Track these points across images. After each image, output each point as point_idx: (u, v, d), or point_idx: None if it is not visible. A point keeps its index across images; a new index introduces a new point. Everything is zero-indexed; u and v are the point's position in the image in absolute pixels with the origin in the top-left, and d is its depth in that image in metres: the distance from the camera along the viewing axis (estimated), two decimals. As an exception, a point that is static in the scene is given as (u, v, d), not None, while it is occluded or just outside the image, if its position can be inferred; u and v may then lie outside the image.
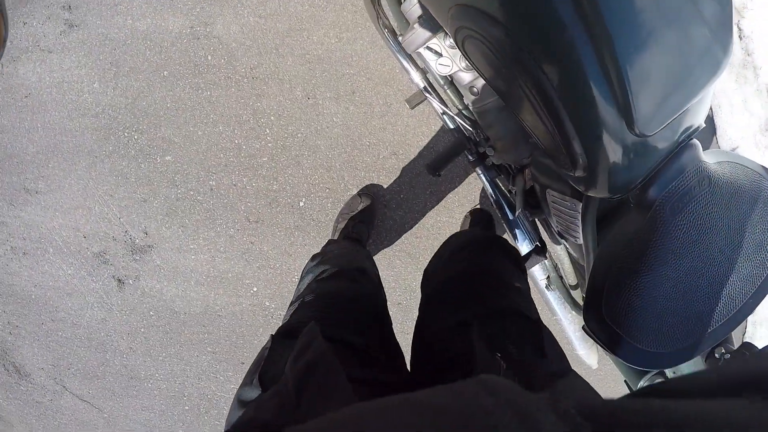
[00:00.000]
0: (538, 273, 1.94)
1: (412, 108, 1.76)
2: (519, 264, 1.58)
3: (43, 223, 3.05)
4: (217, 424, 3.29)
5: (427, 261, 2.72)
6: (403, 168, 2.69)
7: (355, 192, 2.73)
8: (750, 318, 2.47)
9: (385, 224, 2.76)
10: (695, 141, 0.97)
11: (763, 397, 0.46)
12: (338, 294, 1.47)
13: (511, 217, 1.84)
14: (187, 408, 3.28)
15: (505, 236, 1.86)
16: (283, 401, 0.92)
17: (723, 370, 0.56)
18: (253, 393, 1.02)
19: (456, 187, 2.68)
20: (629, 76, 0.77)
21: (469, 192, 2.68)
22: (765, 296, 1.03)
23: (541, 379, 1.02)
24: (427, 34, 1.30)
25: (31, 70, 2.83)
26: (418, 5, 1.30)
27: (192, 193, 2.86)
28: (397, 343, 1.44)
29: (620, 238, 1.02)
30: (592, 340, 1.13)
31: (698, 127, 0.97)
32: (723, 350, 1.22)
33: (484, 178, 1.80)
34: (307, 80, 2.64)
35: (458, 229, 2.68)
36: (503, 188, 1.87)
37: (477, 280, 1.41)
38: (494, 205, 1.88)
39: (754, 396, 0.46)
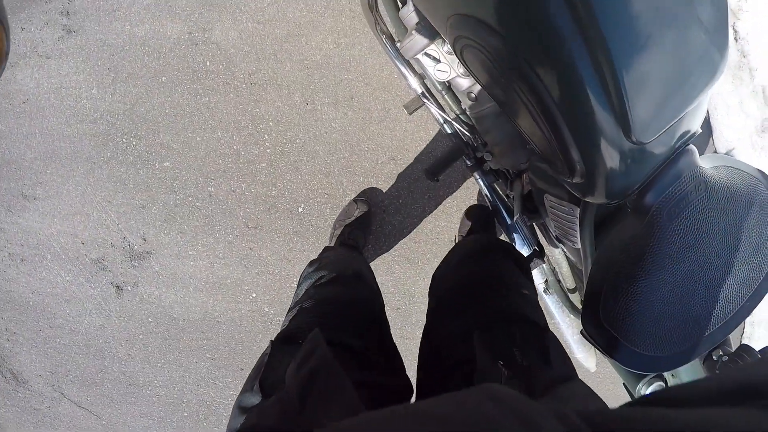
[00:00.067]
0: (536, 277, 1.95)
1: (410, 113, 1.77)
2: (525, 271, 1.58)
3: (41, 229, 3.04)
4: (216, 430, 3.28)
5: (426, 266, 2.75)
6: (401, 173, 2.69)
7: (353, 198, 2.73)
8: (748, 319, 2.47)
9: (384, 229, 2.76)
10: (692, 146, 0.98)
11: (763, 404, 0.46)
12: (336, 299, 1.48)
13: (509, 221, 1.84)
14: (185, 415, 3.27)
15: (502, 238, 1.86)
16: (285, 408, 0.92)
17: (722, 377, 0.56)
18: (254, 399, 1.02)
19: (454, 191, 2.69)
20: (626, 83, 0.77)
21: (468, 196, 2.68)
22: (762, 299, 1.04)
23: (543, 385, 1.02)
24: (425, 40, 1.30)
25: (29, 76, 2.82)
26: (415, 12, 1.31)
27: (190, 199, 2.85)
28: (395, 347, 1.45)
29: (618, 243, 1.03)
30: (590, 344, 1.13)
31: (695, 133, 0.98)
32: (721, 353, 1.23)
33: (482, 183, 1.81)
34: (306, 86, 2.65)
35: (457, 231, 2.68)
36: (501, 193, 1.88)
37: (485, 286, 1.42)
38: (492, 210, 1.88)
39: (754, 403, 0.46)
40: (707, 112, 2.29)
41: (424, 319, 2.75)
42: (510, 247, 1.69)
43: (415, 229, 2.76)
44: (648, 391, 1.49)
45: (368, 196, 2.72)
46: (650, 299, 0.98)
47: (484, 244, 1.70)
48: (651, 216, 0.96)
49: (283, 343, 1.22)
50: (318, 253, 2.11)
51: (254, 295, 2.95)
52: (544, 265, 1.92)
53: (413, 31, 1.30)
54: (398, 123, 2.62)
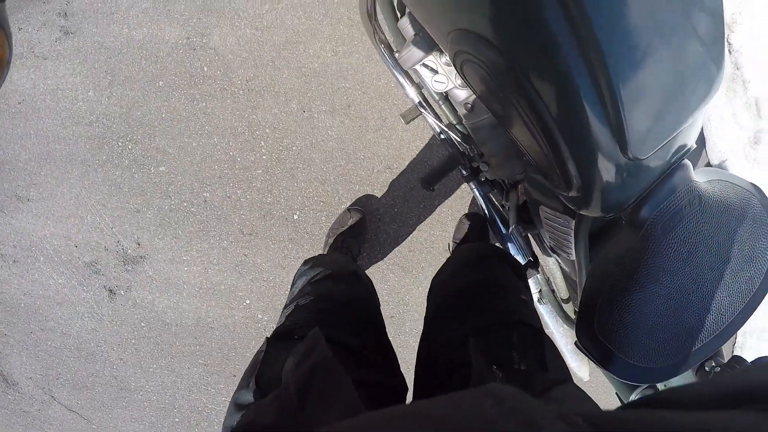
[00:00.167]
0: (530, 287, 1.95)
1: (407, 123, 1.77)
2: (522, 276, 1.58)
3: (34, 231, 3.03)
4: (208, 436, 3.27)
5: (421, 274, 2.75)
6: (397, 182, 2.69)
7: (347, 206, 2.73)
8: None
9: (379, 238, 2.76)
10: (686, 161, 0.99)
11: (759, 408, 0.46)
12: (333, 296, 1.48)
13: (504, 231, 1.85)
14: (177, 420, 3.24)
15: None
16: (284, 405, 0.92)
17: (716, 381, 0.57)
18: (250, 396, 1.02)
19: (449, 200, 2.69)
20: (623, 98, 0.78)
21: (463, 206, 2.68)
22: (754, 311, 1.05)
23: (538, 388, 1.02)
24: (424, 51, 1.30)
25: (25, 77, 2.82)
26: (414, 23, 1.31)
27: (185, 204, 2.85)
28: (391, 346, 1.45)
29: (612, 256, 1.04)
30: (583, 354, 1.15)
31: (690, 148, 0.99)
32: (713, 364, 1.24)
33: (477, 193, 1.82)
34: (303, 93, 2.65)
35: (452, 236, 2.68)
36: (496, 203, 1.89)
37: (483, 291, 1.42)
38: (487, 220, 1.89)
39: (751, 407, 0.47)
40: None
41: (418, 328, 2.74)
42: (507, 254, 1.70)
43: (409, 238, 2.75)
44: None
45: (364, 204, 2.72)
46: (644, 311, 0.99)
47: (482, 250, 1.70)
48: (646, 229, 0.97)
49: (279, 339, 1.22)
50: (313, 259, 2.11)
51: (248, 301, 2.94)
52: (538, 275, 1.93)
53: (411, 42, 1.30)
54: (395, 132, 2.62)
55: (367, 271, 2.64)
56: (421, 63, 1.34)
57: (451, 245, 2.66)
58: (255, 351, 1.21)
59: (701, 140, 2.55)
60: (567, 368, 1.23)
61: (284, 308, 1.49)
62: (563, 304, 1.98)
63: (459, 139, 1.67)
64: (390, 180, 2.69)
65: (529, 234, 1.80)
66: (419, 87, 1.68)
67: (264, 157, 2.74)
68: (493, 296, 1.39)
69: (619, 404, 1.61)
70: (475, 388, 0.61)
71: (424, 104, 1.70)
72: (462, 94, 1.41)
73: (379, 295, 1.72)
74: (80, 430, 3.40)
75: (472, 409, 0.53)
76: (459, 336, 1.25)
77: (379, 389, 1.17)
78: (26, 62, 2.81)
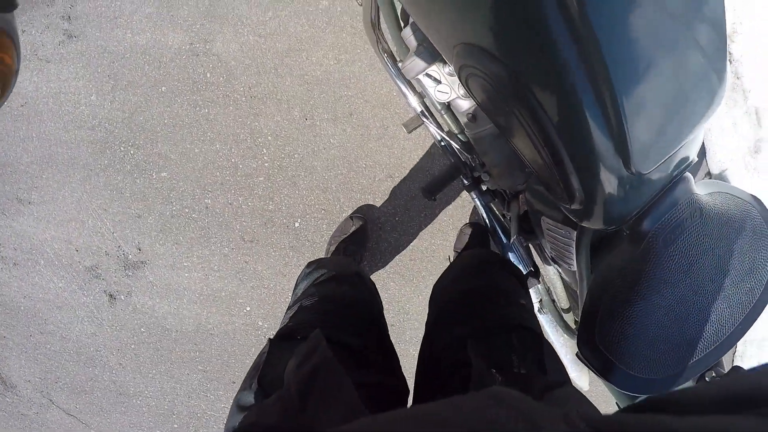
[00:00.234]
0: (530, 294, 1.95)
1: (410, 132, 1.77)
2: (523, 283, 1.58)
3: (35, 234, 3.04)
4: (206, 442, 3.26)
5: (421, 283, 2.75)
6: (398, 191, 2.69)
7: (349, 214, 2.73)
8: (740, 339, 2.48)
9: (380, 246, 2.76)
10: (688, 174, 1.00)
11: (759, 413, 0.46)
12: (336, 297, 1.47)
13: (505, 241, 1.85)
14: (176, 426, 3.24)
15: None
16: (286, 406, 0.91)
17: (717, 385, 0.57)
18: (252, 397, 1.02)
19: (450, 210, 2.69)
20: (626, 112, 0.78)
21: (464, 215, 2.68)
22: (754, 322, 1.05)
23: (537, 391, 1.02)
24: (427, 61, 1.30)
25: (28, 79, 2.83)
26: (418, 33, 1.31)
27: (187, 210, 2.85)
28: (393, 347, 1.45)
29: (614, 267, 1.05)
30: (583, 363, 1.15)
31: (692, 162, 1.00)
32: (713, 374, 1.23)
33: (478, 203, 1.81)
34: (305, 101, 2.65)
35: (452, 246, 2.69)
36: (497, 213, 1.88)
37: (484, 297, 1.42)
38: (488, 230, 1.89)
39: (752, 411, 0.47)
40: (701, 134, 2.31)
41: (419, 336, 2.74)
42: (507, 260, 1.70)
43: (410, 247, 2.75)
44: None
45: (365, 212, 2.72)
46: (645, 323, 1.00)
47: (483, 256, 1.70)
48: (647, 242, 0.97)
49: (282, 340, 1.22)
50: (314, 269, 2.11)
51: (248, 308, 2.94)
52: (539, 285, 1.92)
53: (415, 53, 1.30)
54: (396, 140, 2.63)
55: (367, 280, 2.66)
56: (424, 73, 1.34)
57: (452, 255, 2.66)
58: (255, 358, 1.21)
59: (701, 150, 2.55)
60: (566, 371, 1.24)
61: (288, 310, 1.48)
62: (564, 314, 1.98)
63: (461, 149, 1.67)
64: (391, 189, 2.69)
65: (529, 244, 1.81)
66: (422, 96, 1.67)
67: (266, 164, 2.74)
68: (493, 301, 1.39)
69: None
70: (477, 391, 0.61)
71: (427, 113, 1.69)
72: (464, 104, 1.41)
73: (380, 302, 1.72)
74: (78, 434, 3.40)
75: (474, 411, 0.54)
76: (460, 337, 1.25)
77: (379, 390, 1.17)
78: (29, 65, 2.81)
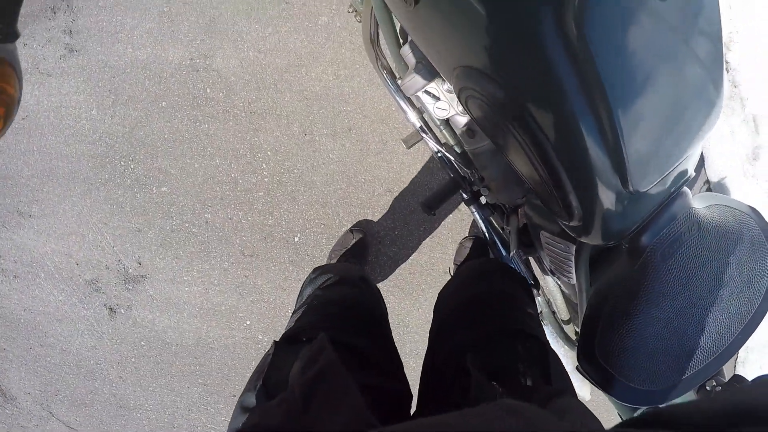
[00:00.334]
0: (536, 305, 1.95)
1: (409, 147, 1.77)
2: (528, 291, 1.58)
3: (36, 247, 3.04)
4: (206, 455, 3.25)
5: (421, 296, 2.76)
6: (397, 205, 2.70)
7: (348, 228, 2.74)
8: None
9: (379, 260, 2.76)
10: (686, 189, 1.01)
11: (759, 430, 0.46)
12: (340, 300, 1.47)
13: (504, 254, 1.85)
14: (176, 438, 3.24)
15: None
16: (289, 408, 0.91)
17: (717, 400, 0.56)
18: (256, 398, 1.02)
19: (450, 224, 2.69)
20: (623, 130, 0.79)
21: (463, 228, 2.69)
22: (754, 331, 1.06)
23: (538, 400, 1.02)
24: (426, 78, 1.30)
25: (29, 93, 2.84)
26: (417, 51, 1.31)
27: (187, 225, 2.86)
28: (397, 350, 1.44)
29: (613, 281, 1.06)
30: (584, 376, 1.15)
31: (689, 177, 1.01)
32: (714, 383, 1.24)
33: (478, 217, 1.82)
34: (305, 116, 2.66)
35: (452, 260, 2.69)
36: (497, 226, 1.89)
37: (490, 304, 1.42)
38: (488, 243, 1.89)
39: (750, 429, 0.47)
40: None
41: (419, 349, 2.77)
42: (510, 268, 1.70)
43: (410, 260, 2.76)
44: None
45: (364, 227, 2.73)
46: (644, 335, 1.00)
47: (484, 265, 1.70)
48: (646, 256, 0.98)
49: (287, 342, 1.22)
50: (314, 284, 2.11)
51: (248, 322, 2.94)
52: (538, 297, 1.92)
53: (414, 70, 1.30)
54: (395, 155, 2.63)
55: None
56: (423, 90, 1.35)
57: (451, 268, 2.66)
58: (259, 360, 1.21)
59: (700, 159, 2.56)
60: (570, 381, 1.23)
61: (293, 314, 1.48)
62: (564, 326, 1.99)
63: (459, 164, 1.67)
64: (390, 203, 2.70)
65: (529, 257, 1.81)
66: (420, 111, 1.68)
67: (265, 179, 2.75)
68: (494, 307, 1.40)
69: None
70: (488, 403, 0.62)
71: (426, 129, 1.70)
72: (463, 120, 1.41)
73: (379, 316, 1.72)
74: (78, 446, 3.40)
75: (483, 423, 0.55)
76: (461, 344, 1.26)
77: (381, 392, 1.16)
78: (30, 78, 2.83)
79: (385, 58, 1.69)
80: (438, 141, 1.69)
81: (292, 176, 2.72)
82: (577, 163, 0.85)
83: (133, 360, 3.12)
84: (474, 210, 1.79)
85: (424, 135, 1.70)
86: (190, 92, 2.71)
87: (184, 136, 2.75)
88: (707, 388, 1.24)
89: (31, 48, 2.79)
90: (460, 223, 2.68)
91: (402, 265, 2.77)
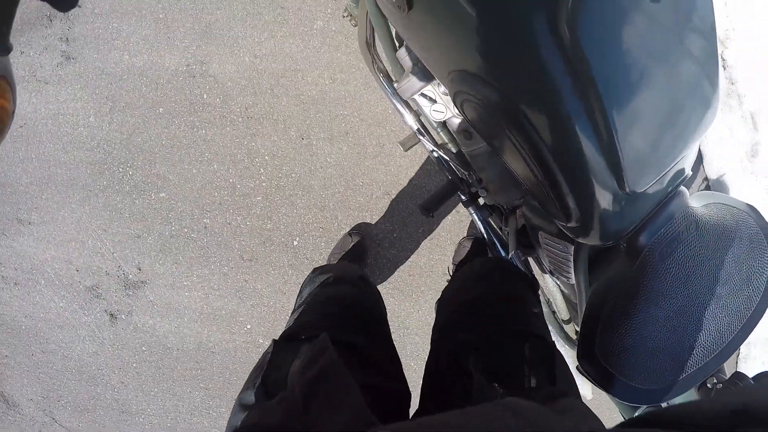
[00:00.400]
0: (541, 304, 1.95)
1: (406, 150, 1.78)
2: (535, 291, 1.58)
3: (36, 254, 3.05)
4: (209, 459, 3.26)
5: (421, 298, 2.77)
6: (396, 208, 2.70)
7: (347, 231, 2.74)
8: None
9: (378, 263, 2.77)
10: (683, 188, 1.02)
11: (757, 430, 0.47)
12: (339, 298, 1.47)
13: (503, 255, 1.85)
14: (178, 443, 3.24)
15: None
16: (289, 407, 0.91)
17: (717, 400, 0.57)
18: (254, 396, 1.02)
19: (448, 225, 2.70)
20: (618, 132, 0.80)
21: (462, 229, 2.70)
22: (753, 328, 1.06)
23: (540, 400, 1.02)
24: (422, 81, 1.31)
25: (27, 100, 2.84)
26: (413, 54, 1.32)
27: (186, 230, 2.86)
28: (396, 350, 1.43)
29: (612, 281, 1.06)
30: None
31: (686, 176, 1.02)
32: (715, 380, 1.24)
33: (476, 218, 1.82)
34: (302, 120, 2.67)
35: (451, 259, 2.70)
36: (495, 227, 1.89)
37: (487, 302, 1.42)
38: (487, 244, 1.89)
39: (748, 428, 0.47)
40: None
41: (420, 351, 2.78)
42: (511, 264, 1.69)
43: (408, 262, 2.76)
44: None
45: (363, 229, 2.74)
46: (644, 334, 1.01)
47: (486, 264, 1.70)
48: (644, 256, 0.99)
49: (286, 341, 1.21)
50: (313, 287, 2.11)
51: (249, 326, 2.95)
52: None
53: (410, 73, 1.31)
54: (393, 158, 2.64)
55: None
56: (419, 93, 1.36)
57: (450, 268, 2.66)
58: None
59: (698, 157, 2.56)
60: (574, 381, 1.23)
61: (292, 313, 1.48)
62: (564, 325, 1.99)
63: (457, 165, 1.68)
64: (389, 206, 2.71)
65: (528, 257, 1.81)
66: (417, 114, 1.69)
67: (263, 183, 2.75)
68: (502, 308, 1.39)
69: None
70: (489, 402, 0.62)
71: (423, 131, 1.70)
72: (460, 122, 1.42)
73: (379, 318, 1.71)
74: (81, 451, 3.40)
75: (484, 421, 0.55)
76: (464, 344, 1.26)
77: (380, 392, 1.16)
78: (28, 86, 2.83)
79: (381, 62, 1.70)
80: (435, 143, 1.69)
81: (289, 180, 2.73)
82: (573, 165, 0.85)
83: (134, 365, 3.12)
84: (472, 211, 1.80)
85: (421, 137, 1.71)
86: (187, 98, 2.71)
87: (182, 142, 2.76)
88: (708, 385, 1.24)
89: (28, 56, 2.79)
90: (458, 224, 2.68)
91: (401, 267, 2.77)
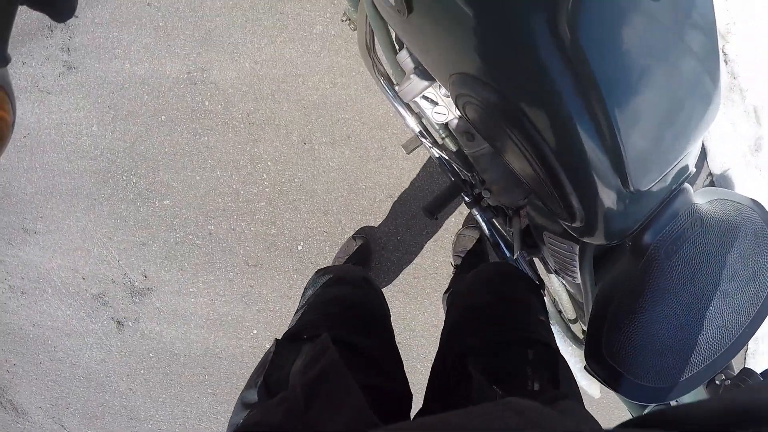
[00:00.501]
0: (547, 312, 1.95)
1: (409, 153, 1.77)
2: (541, 299, 1.59)
3: (42, 263, 3.06)
4: (218, 465, 3.26)
5: (426, 300, 2.78)
6: (399, 210, 2.71)
7: (351, 235, 2.75)
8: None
9: (383, 266, 2.77)
10: (687, 185, 1.01)
11: (759, 431, 0.47)
12: (342, 299, 1.47)
13: (508, 255, 1.84)
14: (187, 449, 3.25)
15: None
16: (291, 407, 0.92)
17: (723, 400, 0.56)
18: (257, 395, 1.03)
19: (452, 226, 2.71)
20: (621, 130, 0.80)
21: (465, 230, 2.68)
22: (760, 325, 1.06)
23: (543, 402, 1.03)
24: (423, 84, 1.30)
25: (30, 111, 2.85)
26: (413, 57, 1.32)
27: (191, 237, 2.87)
28: (398, 351, 1.44)
29: (618, 280, 1.06)
30: (593, 375, 1.16)
31: (690, 173, 1.02)
32: (723, 377, 1.23)
33: (480, 219, 1.81)
34: (303, 125, 2.68)
35: (451, 251, 2.70)
36: (500, 228, 1.89)
37: (506, 311, 1.41)
38: (491, 244, 1.89)
39: (752, 429, 0.47)
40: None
41: (426, 353, 2.78)
42: (527, 276, 1.69)
43: (413, 265, 2.77)
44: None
45: (367, 233, 2.74)
46: (651, 332, 1.00)
47: (502, 270, 1.70)
48: (649, 254, 0.99)
49: (289, 340, 1.21)
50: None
51: (255, 331, 2.96)
52: (544, 297, 1.92)
53: (411, 76, 1.30)
54: (395, 161, 2.65)
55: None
56: (421, 95, 1.36)
57: (453, 258, 2.67)
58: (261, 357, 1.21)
59: (702, 152, 2.55)
60: (576, 385, 1.23)
61: (295, 313, 1.48)
62: (570, 325, 1.98)
63: (460, 167, 1.67)
64: (392, 209, 2.71)
65: (533, 257, 1.81)
66: (419, 116, 1.68)
67: (267, 189, 2.76)
68: (509, 315, 1.39)
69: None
70: (492, 402, 0.62)
71: (425, 133, 1.70)
72: (462, 124, 1.42)
73: (385, 321, 1.71)
74: (91, 458, 3.40)
75: (485, 420, 0.55)
76: (471, 348, 1.27)
77: (381, 393, 1.16)
78: (30, 96, 2.84)
79: (381, 65, 1.70)
80: (438, 145, 1.69)
81: (293, 185, 2.73)
82: (577, 165, 0.86)
83: (142, 372, 3.13)
84: (476, 213, 1.79)
85: (423, 140, 1.70)
86: (188, 105, 2.72)
87: (185, 149, 2.76)
88: (717, 382, 1.23)
89: (30, 66, 2.80)
90: (461, 225, 2.68)
91: (406, 270, 2.78)
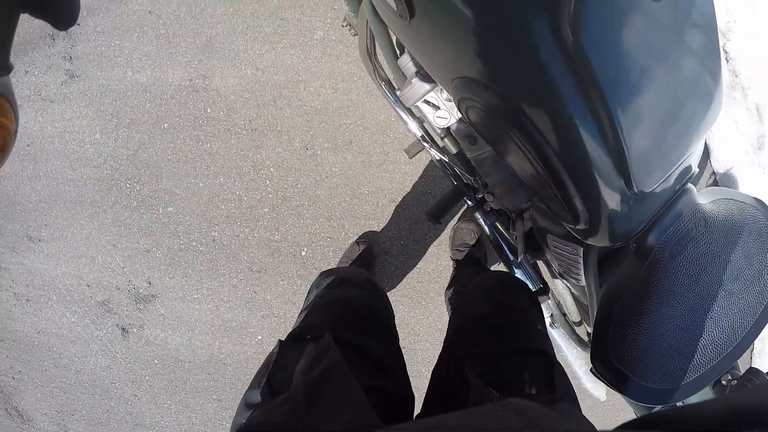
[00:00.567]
0: (545, 320, 1.95)
1: (411, 157, 1.77)
2: (539, 308, 1.59)
3: (47, 270, 3.07)
4: (223, 470, 3.26)
5: (430, 304, 2.78)
6: (402, 215, 2.71)
7: (354, 240, 2.75)
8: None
9: (387, 270, 2.77)
10: (690, 186, 1.01)
11: (756, 430, 0.47)
12: (347, 299, 1.48)
13: (512, 258, 1.84)
14: (193, 455, 3.25)
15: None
16: (293, 407, 0.92)
17: (728, 401, 0.56)
18: (260, 396, 1.03)
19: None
20: (624, 132, 0.80)
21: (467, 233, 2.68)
22: (766, 324, 1.05)
23: (541, 403, 1.03)
24: (425, 88, 1.31)
25: (33, 119, 2.86)
26: (414, 61, 1.33)
27: (194, 243, 2.88)
28: (401, 353, 1.44)
29: (622, 281, 1.06)
30: (599, 378, 1.16)
31: (693, 173, 1.02)
32: (729, 377, 1.23)
33: (483, 223, 1.81)
34: (305, 131, 2.68)
35: (450, 246, 2.70)
36: (503, 231, 1.89)
37: (506, 321, 1.42)
38: (495, 248, 1.89)
39: (752, 429, 0.47)
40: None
41: (430, 357, 2.78)
42: (526, 286, 1.70)
43: (416, 269, 2.77)
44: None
45: (370, 238, 2.74)
46: (657, 334, 1.00)
47: (504, 280, 1.70)
48: (654, 255, 0.99)
49: (293, 341, 1.22)
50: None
51: (260, 337, 2.96)
52: (549, 300, 1.91)
53: (413, 80, 1.31)
54: (398, 166, 2.65)
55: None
56: (422, 99, 1.36)
57: (452, 252, 2.68)
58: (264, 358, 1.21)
59: (705, 151, 2.55)
60: (572, 390, 1.24)
61: (299, 314, 1.48)
62: (575, 327, 1.98)
63: (463, 171, 1.67)
64: (395, 214, 2.72)
65: (537, 260, 1.81)
66: (421, 121, 1.69)
67: (270, 195, 2.77)
68: (510, 325, 1.40)
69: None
70: (491, 402, 0.62)
71: (427, 138, 1.71)
72: (464, 128, 1.43)
73: (388, 326, 1.71)
74: (97, 465, 3.40)
75: (488, 422, 0.55)
76: (471, 355, 1.27)
77: (384, 394, 1.16)
78: (33, 105, 2.85)
79: (382, 70, 1.70)
80: (440, 149, 1.69)
81: (296, 191, 2.74)
82: (580, 167, 0.86)
83: (147, 378, 3.14)
84: (479, 216, 1.79)
85: (425, 144, 1.71)
86: (191, 112, 2.73)
87: (188, 156, 2.77)
88: (723, 382, 1.23)
89: (33, 75, 2.81)
90: (465, 229, 2.68)
91: (409, 274, 2.78)
